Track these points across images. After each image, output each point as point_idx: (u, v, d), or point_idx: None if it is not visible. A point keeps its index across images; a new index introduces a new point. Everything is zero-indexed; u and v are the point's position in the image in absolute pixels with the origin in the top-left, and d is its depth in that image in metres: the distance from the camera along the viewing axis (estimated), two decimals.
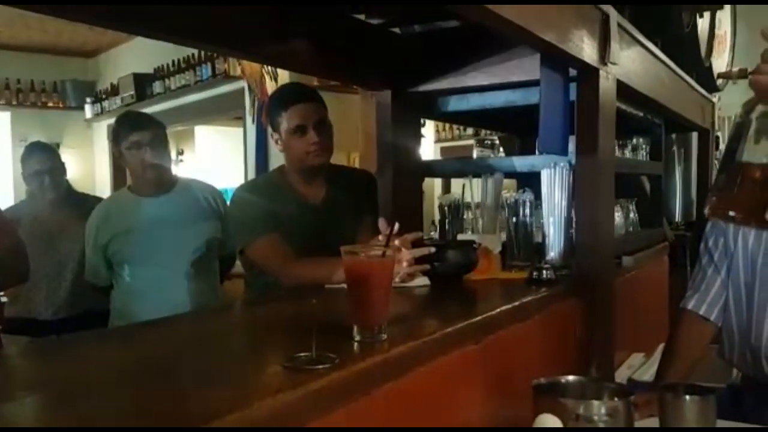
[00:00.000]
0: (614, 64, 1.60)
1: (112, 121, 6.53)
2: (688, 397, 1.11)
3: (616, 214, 2.27)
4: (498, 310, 1.24)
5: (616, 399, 1.05)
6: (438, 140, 6.28)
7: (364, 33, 1.69)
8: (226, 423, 0.64)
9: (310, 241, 1.69)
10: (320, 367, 0.81)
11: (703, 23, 2.52)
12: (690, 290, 1.68)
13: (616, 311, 1.71)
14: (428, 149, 5.84)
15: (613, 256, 1.76)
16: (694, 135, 3.13)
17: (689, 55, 2.43)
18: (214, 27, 1.35)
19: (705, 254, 1.68)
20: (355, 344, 0.93)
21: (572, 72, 1.60)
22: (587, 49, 1.48)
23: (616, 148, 2.24)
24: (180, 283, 2.17)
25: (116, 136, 2.18)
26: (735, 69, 3.33)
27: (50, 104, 6.86)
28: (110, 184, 6.68)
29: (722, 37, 3.20)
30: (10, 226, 2.04)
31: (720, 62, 3.24)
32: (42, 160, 2.63)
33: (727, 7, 3.25)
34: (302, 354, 0.84)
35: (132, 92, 5.93)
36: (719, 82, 3.18)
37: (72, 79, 6.95)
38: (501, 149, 2.52)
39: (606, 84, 1.59)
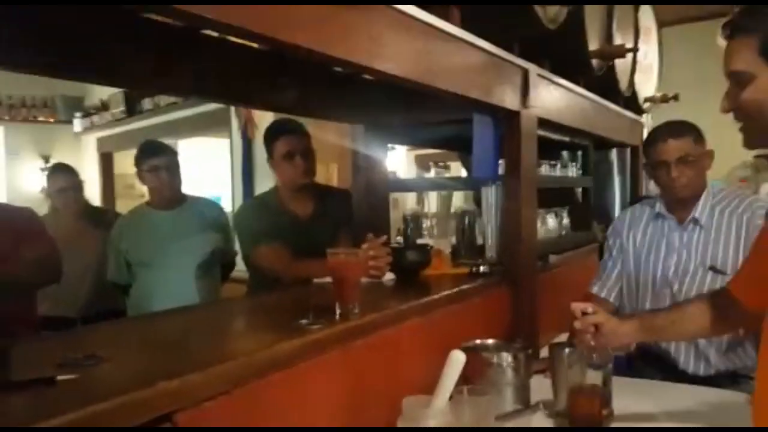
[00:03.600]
0: (533, 107, 2.08)
1: (101, 134, 6.91)
2: (567, 349, 1.58)
3: (550, 220, 2.77)
4: (440, 294, 1.72)
5: (516, 351, 1.53)
6: (411, 149, 6.76)
7: (339, 80, 2.14)
8: (253, 359, 1.08)
9: (301, 248, 2.13)
10: (314, 327, 1.26)
11: (625, 60, 3.02)
12: (595, 278, 2.18)
13: (539, 298, 2.18)
14: (403, 157, 6.30)
15: (536, 255, 2.25)
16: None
17: (611, 89, 2.94)
18: (212, 83, 1.78)
19: (606, 251, 2.18)
20: (337, 316, 1.38)
21: None
22: (509, 98, 1.96)
23: (550, 165, 2.74)
24: (188, 284, 2.60)
25: (138, 160, 2.63)
26: (658, 94, 3.89)
27: (41, 118, 7.17)
28: (99, 194, 7.04)
29: (649, 66, 3.72)
30: (46, 233, 2.47)
31: (649, 86, 3.76)
32: (65, 179, 3.04)
33: (654, 39, 3.78)
34: (301, 321, 1.30)
35: (123, 108, 6.28)
36: (647, 105, 3.71)
37: (61, 94, 7.27)
38: (460, 164, 3.00)
39: (527, 122, 2.07)
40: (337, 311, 1.39)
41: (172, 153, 2.67)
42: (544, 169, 2.73)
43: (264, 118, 4.16)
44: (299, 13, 1.12)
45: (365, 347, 1.36)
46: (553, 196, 2.82)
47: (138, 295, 2.65)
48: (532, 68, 2.08)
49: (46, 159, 6.85)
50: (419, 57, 1.48)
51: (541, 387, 1.59)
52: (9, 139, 6.85)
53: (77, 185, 3.08)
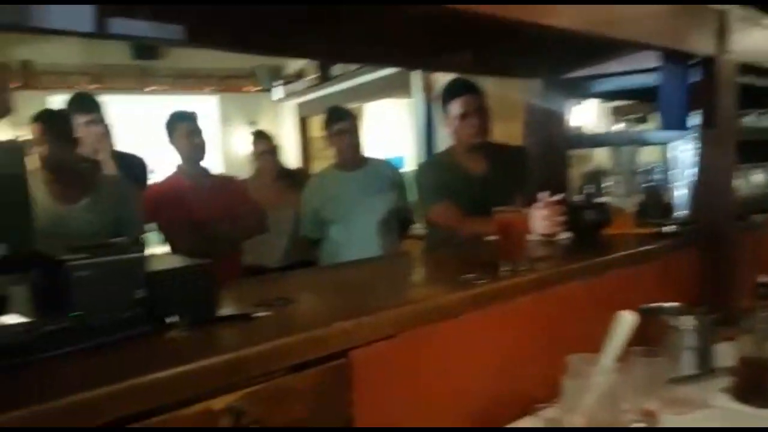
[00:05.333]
0: (732, 52, 1.87)
1: (298, 100, 7.48)
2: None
3: (757, 176, 2.49)
4: (616, 254, 1.65)
5: (699, 316, 1.43)
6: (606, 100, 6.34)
7: (515, 36, 2.09)
8: (419, 307, 1.16)
9: (475, 207, 2.17)
10: (479, 281, 1.31)
11: None
12: None
13: (736, 261, 1.99)
14: (595, 110, 5.87)
15: (733, 214, 2.04)
16: None
17: None
18: (397, 49, 1.85)
19: None
20: (504, 272, 1.41)
21: None
22: (703, 44, 1.78)
23: (758, 114, 2.44)
24: (371, 239, 2.78)
25: (325, 124, 2.85)
26: None
27: (246, 88, 7.91)
28: (296, 155, 7.67)
29: None
30: (250, 195, 2.81)
31: None
32: (264, 144, 3.39)
33: None
34: (468, 275, 1.35)
35: (316, 75, 6.73)
36: None
37: (262, 65, 7.94)
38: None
39: (724, 69, 1.87)
40: (503, 268, 1.42)
41: (353, 117, 2.84)
42: (750, 120, 2.44)
43: (443, 78, 4.21)
44: None
45: (530, 303, 1.38)
46: (763, 148, 2.51)
47: (328, 249, 2.89)
48: (734, 10, 1.86)
49: (253, 125, 7.59)
50: (596, 8, 1.41)
51: (730, 355, 1.48)
52: (222, 108, 7.68)
53: (274, 149, 3.41)
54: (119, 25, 1.16)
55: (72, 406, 0.74)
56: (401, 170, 3.07)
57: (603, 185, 2.36)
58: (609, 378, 1.14)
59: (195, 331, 1.00)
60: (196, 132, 2.68)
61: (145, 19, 1.18)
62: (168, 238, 2.64)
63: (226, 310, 1.12)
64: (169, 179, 2.72)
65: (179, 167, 2.72)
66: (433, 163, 2.60)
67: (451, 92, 2.38)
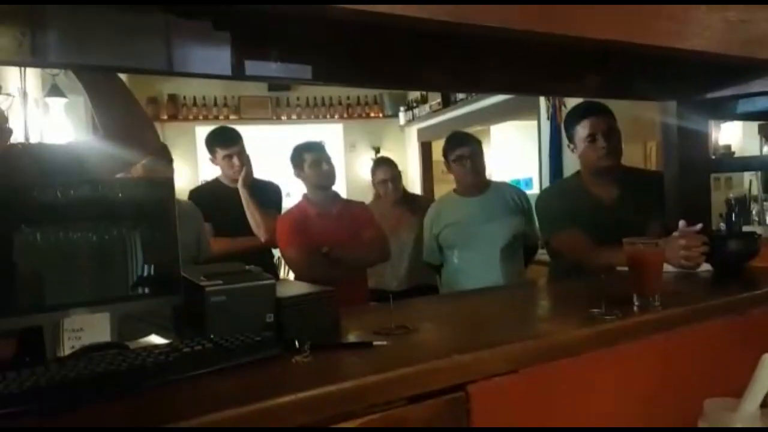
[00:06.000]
0: None
1: (421, 125, 7.59)
2: None
3: None
4: (762, 290, 1.51)
5: None
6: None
7: (646, 58, 2.00)
8: (542, 342, 1.12)
9: (603, 235, 2.07)
10: (607, 317, 1.24)
11: None
12: None
13: None
14: (741, 129, 5.40)
15: None
16: None
17: None
18: (523, 78, 1.83)
19: None
20: (635, 307, 1.33)
21: None
22: None
23: None
24: (493, 265, 2.74)
25: (445, 150, 2.86)
26: None
27: (371, 114, 8.16)
28: (419, 180, 7.76)
29: None
30: (376, 222, 2.87)
31: None
32: (387, 171, 3.46)
33: None
34: (595, 310, 1.29)
35: (439, 100, 6.81)
36: None
37: (388, 92, 8.16)
38: None
39: None
40: (635, 302, 1.34)
41: (476, 143, 2.83)
42: None
43: (573, 100, 4.10)
44: (593, 8, 1.11)
45: (663, 342, 1.29)
46: None
47: (448, 275, 2.88)
48: None
49: (377, 150, 7.79)
50: (734, 28, 1.32)
51: None
52: (346, 134, 7.97)
53: (396, 176, 3.48)
54: (254, 66, 1.25)
55: (201, 425, 0.80)
56: (528, 193, 3.00)
57: (750, 212, 2.16)
58: (752, 425, 1.04)
59: (318, 356, 1.04)
60: (323, 160, 2.78)
61: (277, 61, 1.26)
62: (292, 265, 2.75)
63: (349, 336, 1.15)
64: (295, 207, 2.84)
65: (305, 195, 2.84)
66: (558, 188, 2.53)
67: (578, 114, 2.30)
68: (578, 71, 1.90)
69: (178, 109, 7.05)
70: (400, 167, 3.68)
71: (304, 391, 0.87)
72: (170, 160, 2.45)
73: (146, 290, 1.13)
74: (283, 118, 7.52)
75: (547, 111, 5.02)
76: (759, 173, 2.27)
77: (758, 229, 1.92)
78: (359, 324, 1.26)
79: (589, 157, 2.25)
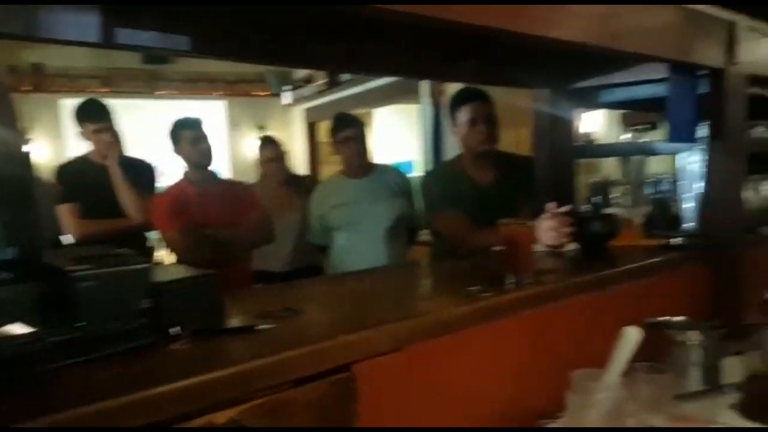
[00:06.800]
0: (741, 63, 1.85)
1: (307, 105, 7.50)
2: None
3: (766, 188, 2.47)
4: (623, 267, 1.64)
5: (706, 330, 1.42)
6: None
7: (521, 47, 2.09)
8: (424, 321, 1.16)
9: (481, 216, 2.16)
10: (484, 295, 1.30)
11: None
12: None
13: (745, 274, 1.97)
14: (604, 118, 5.75)
15: (742, 227, 2.02)
16: None
17: None
18: (406, 60, 1.86)
19: None
20: (509, 285, 1.40)
21: None
22: (711, 56, 1.77)
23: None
24: (378, 246, 2.78)
25: (331, 132, 2.85)
26: None
27: (256, 93, 7.94)
28: (305, 160, 7.69)
29: None
30: (260, 202, 2.81)
31: None
32: (272, 150, 3.39)
33: None
34: (473, 288, 1.34)
35: (324, 80, 6.76)
36: None
37: (271, 70, 7.96)
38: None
39: (733, 81, 1.86)
40: (510, 280, 1.41)
41: (361, 125, 2.84)
42: (761, 131, 2.43)
43: (453, 85, 4.22)
44: None
45: (537, 318, 1.37)
46: None
47: (335, 256, 2.89)
48: (741, 20, 1.85)
49: (261, 130, 7.60)
50: (602, 20, 1.41)
51: (737, 370, 1.46)
52: (231, 112, 7.71)
53: (282, 155, 3.42)
54: (126, 35, 1.17)
55: (74, 418, 0.74)
56: (410, 176, 3.07)
57: (610, 196, 2.35)
58: (614, 394, 1.14)
59: (199, 343, 1.00)
60: (201, 138, 2.68)
61: (152, 29, 1.19)
62: (173, 248, 2.64)
63: (232, 321, 1.12)
64: (174, 186, 2.72)
65: (185, 174, 2.73)
66: (440, 171, 2.60)
67: (459, 99, 2.38)
68: (459, 57, 1.95)
69: (42, 80, 6.46)
70: (286, 147, 3.62)
71: (182, 379, 0.84)
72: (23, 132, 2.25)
73: (3, 276, 1.03)
74: (160, 93, 7.12)
75: (429, 96, 5.14)
76: (619, 159, 2.46)
77: (618, 211, 2.08)
78: (243, 308, 1.23)
79: (469, 141, 2.34)
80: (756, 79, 1.99)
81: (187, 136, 2.65)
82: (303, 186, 3.39)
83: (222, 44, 1.43)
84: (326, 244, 2.93)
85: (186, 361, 0.94)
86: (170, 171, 3.08)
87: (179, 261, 2.56)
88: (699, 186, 2.03)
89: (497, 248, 1.80)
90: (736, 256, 1.96)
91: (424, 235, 2.93)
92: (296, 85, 7.56)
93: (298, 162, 7.49)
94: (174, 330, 1.00)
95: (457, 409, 1.20)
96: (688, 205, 2.07)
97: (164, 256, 3.21)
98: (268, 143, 3.47)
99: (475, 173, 2.36)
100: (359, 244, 2.77)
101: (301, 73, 7.52)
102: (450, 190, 2.31)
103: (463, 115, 2.33)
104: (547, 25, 1.28)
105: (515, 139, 4.22)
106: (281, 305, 1.22)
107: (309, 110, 7.56)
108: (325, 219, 2.85)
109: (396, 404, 1.09)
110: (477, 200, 2.28)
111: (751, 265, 2.04)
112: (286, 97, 7.72)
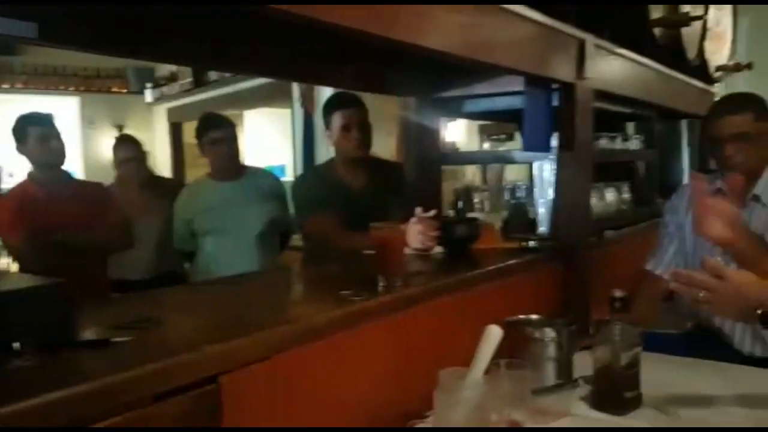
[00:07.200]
0: (589, 78, 2.02)
1: (171, 104, 7.16)
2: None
3: (609, 195, 2.71)
4: (485, 269, 1.73)
5: (559, 327, 1.52)
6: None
7: (391, 54, 2.14)
8: (294, 327, 1.14)
9: (354, 220, 2.17)
10: (355, 299, 1.31)
11: (694, 27, 2.87)
12: (650, 255, 2.12)
13: (592, 274, 2.15)
14: (465, 128, 6.05)
15: (589, 231, 2.21)
16: None
17: (678, 58, 2.81)
18: (269, 58, 1.82)
19: (663, 227, 2.12)
20: (380, 288, 1.42)
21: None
22: (563, 70, 1.92)
23: (610, 138, 2.67)
24: (249, 252, 2.70)
25: (198, 133, 2.73)
26: (731, 63, 3.68)
27: (114, 89, 7.45)
28: (170, 162, 7.33)
29: (722, 33, 3.52)
30: (117, 205, 2.63)
31: (721, 55, 3.56)
32: (129, 150, 3.19)
33: (727, 5, 3.56)
34: (344, 292, 1.34)
35: (191, 79, 6.49)
36: (718, 74, 3.51)
37: (133, 65, 7.52)
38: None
39: (582, 95, 2.02)
40: (380, 284, 1.43)
41: (230, 126, 2.75)
42: (604, 142, 2.66)
43: (324, 90, 4.22)
44: None
45: (406, 319, 1.40)
46: (615, 169, 2.75)
47: (202, 262, 2.77)
48: (589, 39, 2.01)
49: (120, 129, 7.14)
50: (466, 31, 1.47)
51: (587, 364, 1.58)
52: (85, 109, 7.18)
53: (141, 156, 3.23)
54: None
55: None
56: (282, 180, 3.02)
57: (473, 201, 2.46)
58: (478, 391, 1.18)
59: (46, 358, 0.91)
60: (51, 136, 2.46)
61: None
62: (15, 255, 2.40)
63: (85, 334, 1.03)
64: (17, 188, 2.47)
65: (30, 174, 2.49)
66: (312, 175, 2.59)
67: (333, 104, 2.38)
68: (332, 62, 1.95)
69: None
70: (147, 148, 3.42)
71: (25, 399, 0.76)
72: None
73: None
74: (4, 86, 6.47)
75: (300, 99, 5.11)
76: (480, 166, 2.60)
77: (479, 216, 2.19)
78: (98, 319, 1.14)
79: (343, 146, 2.35)
80: (601, 94, 2.18)
81: (35, 134, 2.42)
82: (165, 189, 3.23)
83: (75, 33, 1.32)
84: (193, 249, 2.80)
85: (31, 378, 0.85)
86: (19, 171, 2.81)
87: (22, 270, 2.33)
88: (552, 192, 2.18)
89: (369, 251, 1.84)
90: (584, 258, 2.13)
91: (297, 239, 2.89)
92: (159, 83, 7.21)
93: (161, 163, 7.13)
94: (15, 345, 0.90)
95: (329, 416, 1.19)
96: (543, 210, 2.22)
97: (8, 264, 2.93)
98: (125, 143, 3.27)
99: (348, 178, 2.38)
100: (228, 250, 2.68)
101: (165, 69, 7.18)
102: (322, 194, 2.31)
103: (337, 120, 2.34)
104: (415, 33, 1.31)
105: (385, 145, 4.33)
106: (140, 315, 1.14)
107: (173, 110, 7.22)
108: (192, 223, 2.73)
109: (265, 414, 1.06)
110: (349, 205, 2.29)
111: (599, 265, 2.23)
112: (149, 95, 7.34)
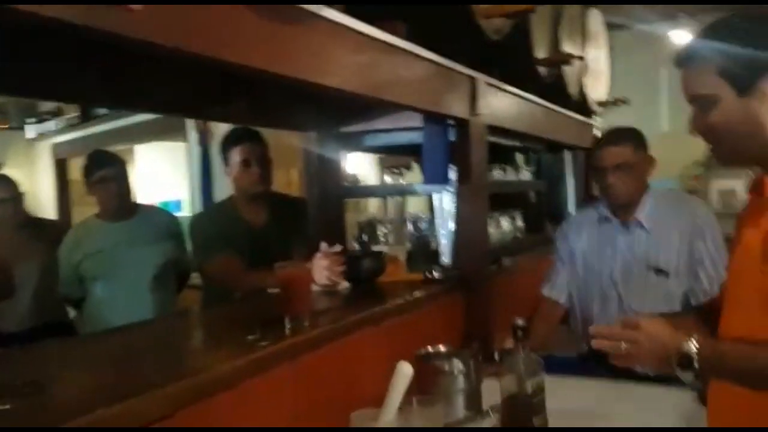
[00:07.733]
0: (482, 114, 2.11)
1: (56, 140, 6.73)
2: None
3: (504, 222, 2.82)
4: (393, 303, 1.74)
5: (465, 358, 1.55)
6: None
7: (290, 90, 2.14)
8: (198, 380, 1.08)
9: (255, 258, 2.12)
10: (261, 344, 1.26)
11: (575, 65, 3.08)
12: (546, 279, 2.22)
13: (493, 301, 2.21)
14: (366, 161, 6.09)
15: (488, 260, 2.28)
16: None
17: (561, 94, 3.01)
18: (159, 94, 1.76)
19: (555, 253, 2.23)
20: (287, 329, 1.39)
21: None
22: (458, 107, 1.99)
23: (501, 169, 2.79)
24: (143, 296, 2.56)
25: (85, 171, 2.57)
26: (611, 98, 3.99)
27: None
28: (54, 202, 6.85)
29: (600, 70, 3.81)
30: None
31: (600, 90, 3.85)
32: (3, 190, 2.94)
33: (604, 44, 3.86)
34: (250, 336, 1.30)
35: (77, 113, 6.14)
36: (599, 108, 3.80)
37: (14, 99, 7.03)
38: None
39: (476, 130, 2.10)
40: (287, 325, 1.40)
41: (120, 163, 2.62)
42: (496, 174, 2.78)
43: (221, 125, 4.13)
44: (238, 32, 1.12)
45: (316, 361, 1.37)
46: (507, 198, 2.87)
47: (91, 310, 2.59)
48: (480, 77, 2.11)
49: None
50: (364, 70, 1.49)
51: (494, 392, 1.61)
52: None
53: (16, 196, 2.98)
54: None
55: None
56: (179, 215, 2.89)
57: (377, 234, 2.47)
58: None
59: None
60: None
61: None
62: None
63: None
64: None
65: None
66: (211, 212, 2.51)
67: (232, 139, 2.33)
68: (227, 97, 1.91)
69: None
70: (28, 186, 3.17)
71: None
72: None
73: None
74: None
75: (196, 134, 4.97)
76: (382, 199, 2.63)
77: (384, 249, 2.20)
78: None
79: (242, 182, 2.30)
80: (493, 129, 2.28)
81: None
82: (45, 231, 3.00)
83: None
84: (81, 296, 2.61)
85: None
86: None
87: None
88: (452, 223, 2.24)
89: (274, 291, 1.79)
90: (486, 286, 2.19)
91: (195, 277, 2.77)
92: (42, 118, 6.76)
93: (45, 203, 6.67)
94: None
95: None
96: (445, 242, 2.27)
97: None
98: None
99: (249, 215, 2.32)
100: (119, 295, 2.52)
101: (49, 104, 6.76)
102: (222, 232, 2.23)
103: (236, 155, 2.28)
104: (316, 71, 1.31)
105: (285, 179, 4.29)
106: (21, 378, 1.04)
107: (58, 145, 6.79)
108: (79, 268, 2.55)
109: None
110: (251, 242, 2.23)
111: (500, 293, 2.30)
112: (30, 131, 6.86)
